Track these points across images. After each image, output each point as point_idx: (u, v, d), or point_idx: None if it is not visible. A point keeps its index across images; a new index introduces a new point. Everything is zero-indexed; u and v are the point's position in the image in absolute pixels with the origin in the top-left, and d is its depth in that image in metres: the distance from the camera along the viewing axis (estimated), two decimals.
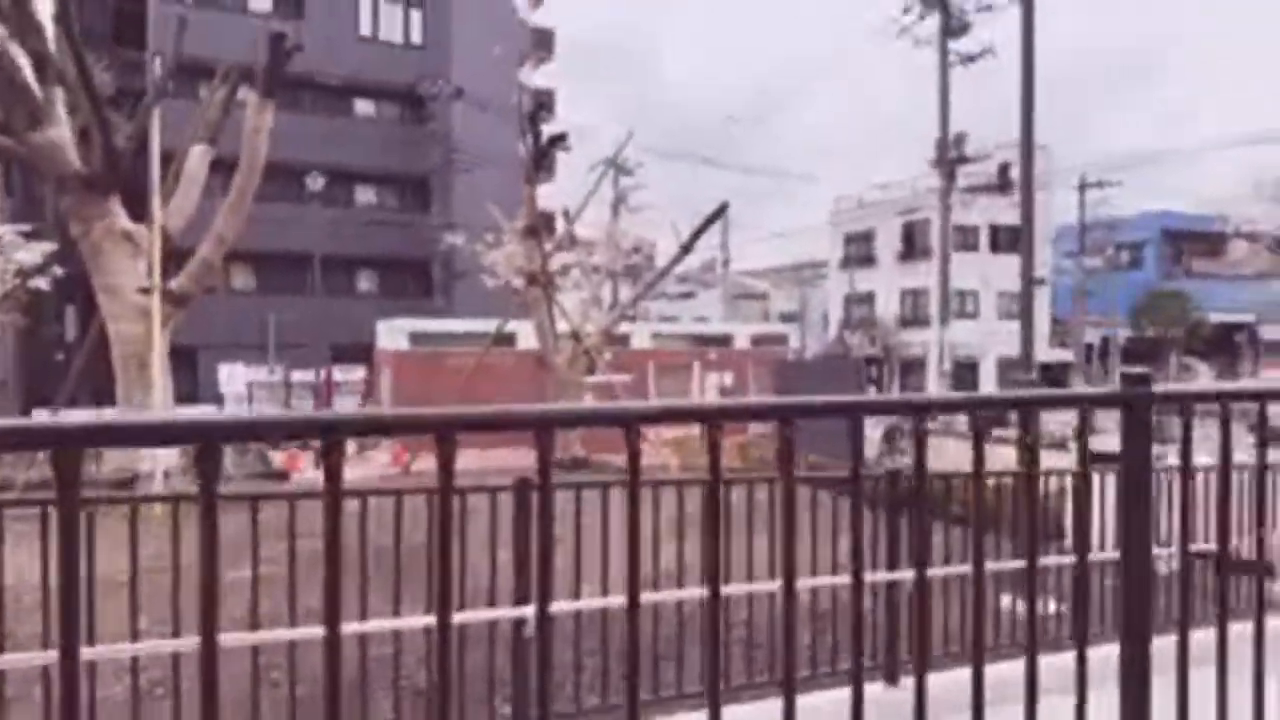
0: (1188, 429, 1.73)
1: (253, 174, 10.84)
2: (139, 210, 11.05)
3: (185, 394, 29.65)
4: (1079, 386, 44.71)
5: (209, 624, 0.94)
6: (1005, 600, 5.92)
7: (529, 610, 3.92)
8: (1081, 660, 1.54)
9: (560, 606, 4.11)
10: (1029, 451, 1.57)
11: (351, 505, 4.02)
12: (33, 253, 18.10)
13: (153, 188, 10.78)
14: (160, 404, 10.24)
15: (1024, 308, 7.60)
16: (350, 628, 3.92)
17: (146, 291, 10.40)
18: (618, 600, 4.21)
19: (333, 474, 1.05)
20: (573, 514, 4.35)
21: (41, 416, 19.42)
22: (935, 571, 5.17)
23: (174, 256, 11.34)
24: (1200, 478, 5.82)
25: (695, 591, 4.41)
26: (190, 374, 30.52)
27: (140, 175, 11.18)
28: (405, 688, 4.63)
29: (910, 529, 4.96)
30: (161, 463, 10.56)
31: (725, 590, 4.34)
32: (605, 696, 4.49)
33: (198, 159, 11.30)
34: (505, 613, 3.92)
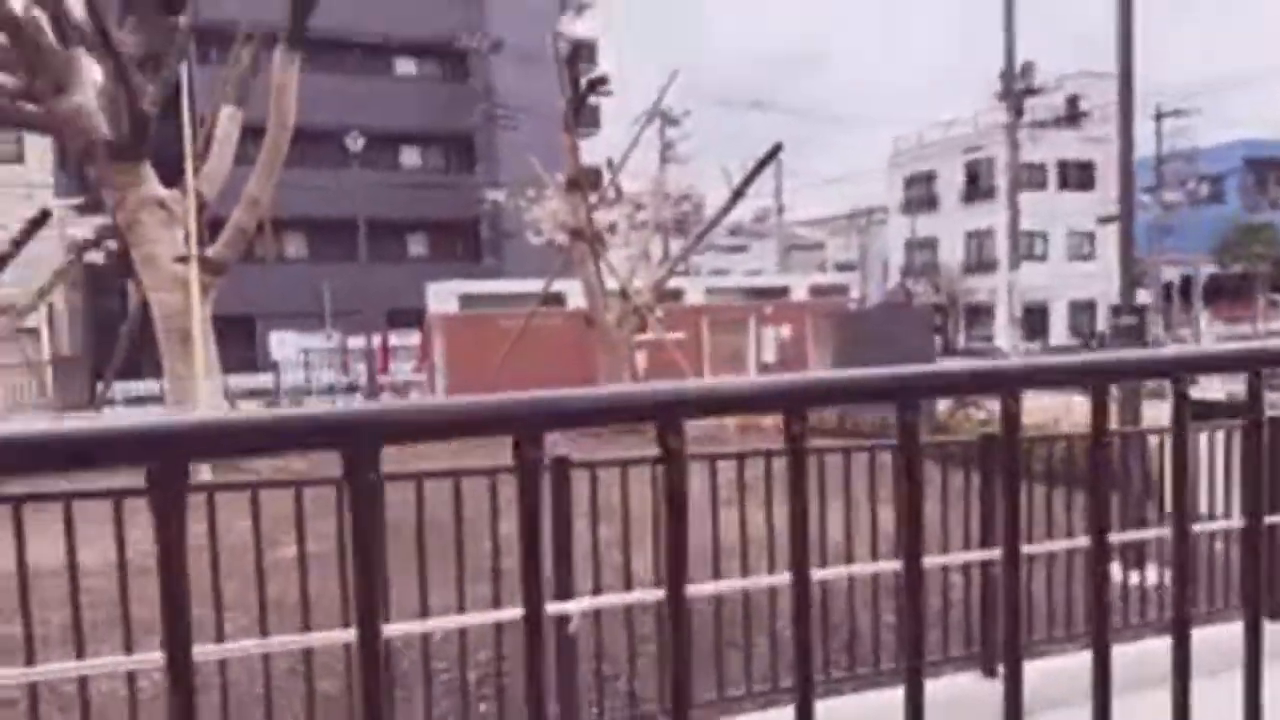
0: None
1: (282, 132, 10.40)
2: (172, 177, 10.74)
3: (244, 363, 30.13)
4: (1156, 331, 42.65)
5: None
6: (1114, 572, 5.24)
7: (571, 605, 3.40)
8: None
9: (608, 600, 3.59)
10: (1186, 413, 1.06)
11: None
12: (84, 227, 18.16)
13: (186, 153, 10.43)
14: (203, 375, 10.00)
15: (1124, 232, 6.73)
16: (398, 628, 3.45)
17: (184, 260, 10.11)
18: (696, 588, 3.66)
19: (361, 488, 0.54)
20: (624, 491, 3.80)
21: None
22: (1038, 548, 4.50)
23: (211, 224, 11.04)
24: None
25: (769, 580, 3.85)
26: (248, 343, 30.93)
27: (172, 142, 10.84)
28: (445, 683, 4.21)
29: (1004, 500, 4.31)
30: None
31: (818, 574, 3.79)
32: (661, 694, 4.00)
33: (228, 121, 10.91)
34: (548, 608, 3.42)
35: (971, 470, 4.41)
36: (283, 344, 17.21)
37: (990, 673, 4.12)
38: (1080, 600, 4.56)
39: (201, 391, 9.77)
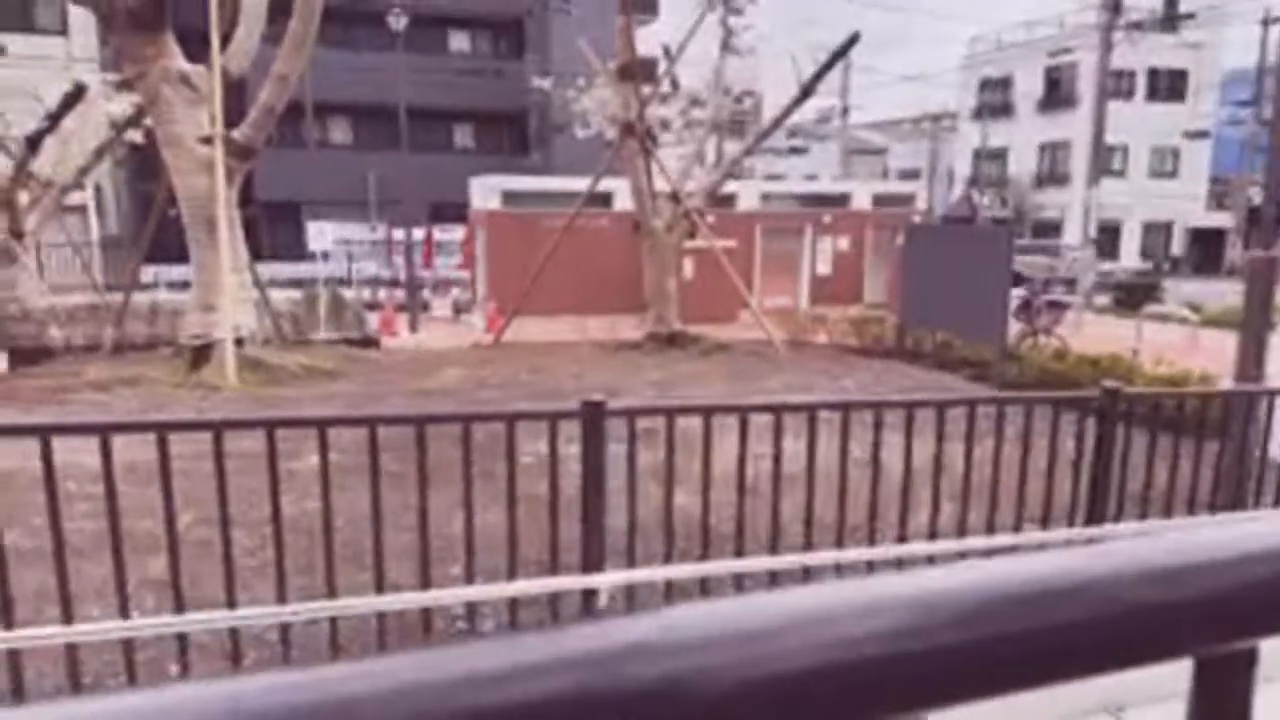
0: None
1: (313, 2, 9.54)
2: (200, 54, 10.01)
3: (290, 250, 29.93)
4: (1233, 256, 40.05)
5: None
6: None
7: (600, 579, 2.83)
8: None
9: (641, 575, 3.01)
10: None
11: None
12: (122, 104, 17.57)
13: (212, 24, 9.65)
14: (228, 266, 9.52)
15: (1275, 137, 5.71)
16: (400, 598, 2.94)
17: (208, 141, 9.48)
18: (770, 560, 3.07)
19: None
20: (669, 439, 3.18)
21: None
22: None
23: (238, 103, 10.35)
24: None
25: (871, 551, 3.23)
26: (296, 230, 30.64)
27: (199, 15, 10.05)
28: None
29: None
30: (239, 327, 9.99)
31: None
32: None
33: None
34: (571, 581, 2.86)
35: (1088, 423, 3.70)
36: (321, 234, 16.72)
37: None
38: None
39: (227, 283, 9.31)
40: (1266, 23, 38.40)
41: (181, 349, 10.32)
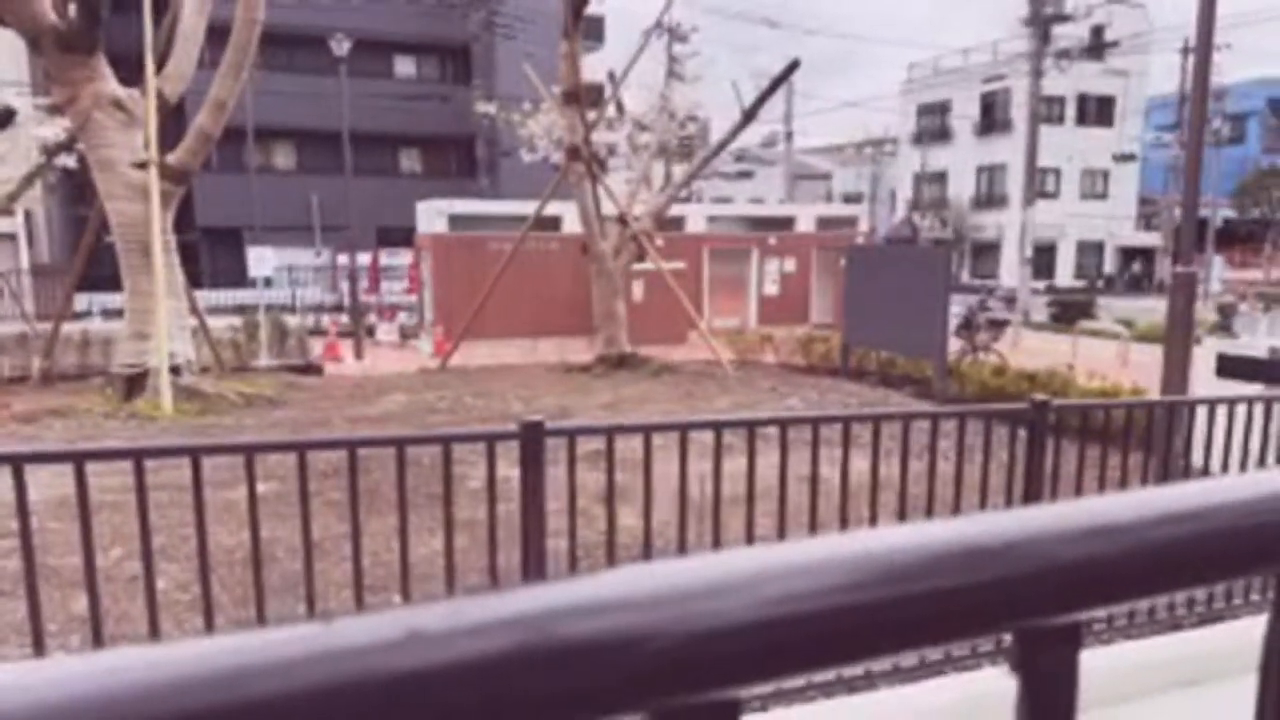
0: None
1: (251, 26, 9.43)
2: (134, 78, 9.80)
3: (233, 277, 29.27)
4: (1163, 274, 41.67)
5: None
6: None
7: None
8: None
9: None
10: None
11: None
12: (54, 128, 17.09)
13: (146, 48, 9.47)
14: (164, 292, 9.28)
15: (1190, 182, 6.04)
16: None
17: (143, 166, 9.27)
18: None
19: None
20: (630, 461, 3.17)
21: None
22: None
23: (172, 127, 10.14)
24: None
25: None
26: (237, 256, 29.99)
27: (135, 39, 9.85)
28: None
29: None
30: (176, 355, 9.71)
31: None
32: None
33: (193, 11, 9.90)
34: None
35: (1019, 432, 3.80)
36: (262, 260, 16.37)
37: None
38: None
39: (162, 310, 9.06)
40: (1185, 51, 40.32)
41: (114, 378, 10.00)
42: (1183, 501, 0.41)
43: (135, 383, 9.61)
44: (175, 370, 9.41)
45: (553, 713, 0.29)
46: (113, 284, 20.80)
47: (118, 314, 21.74)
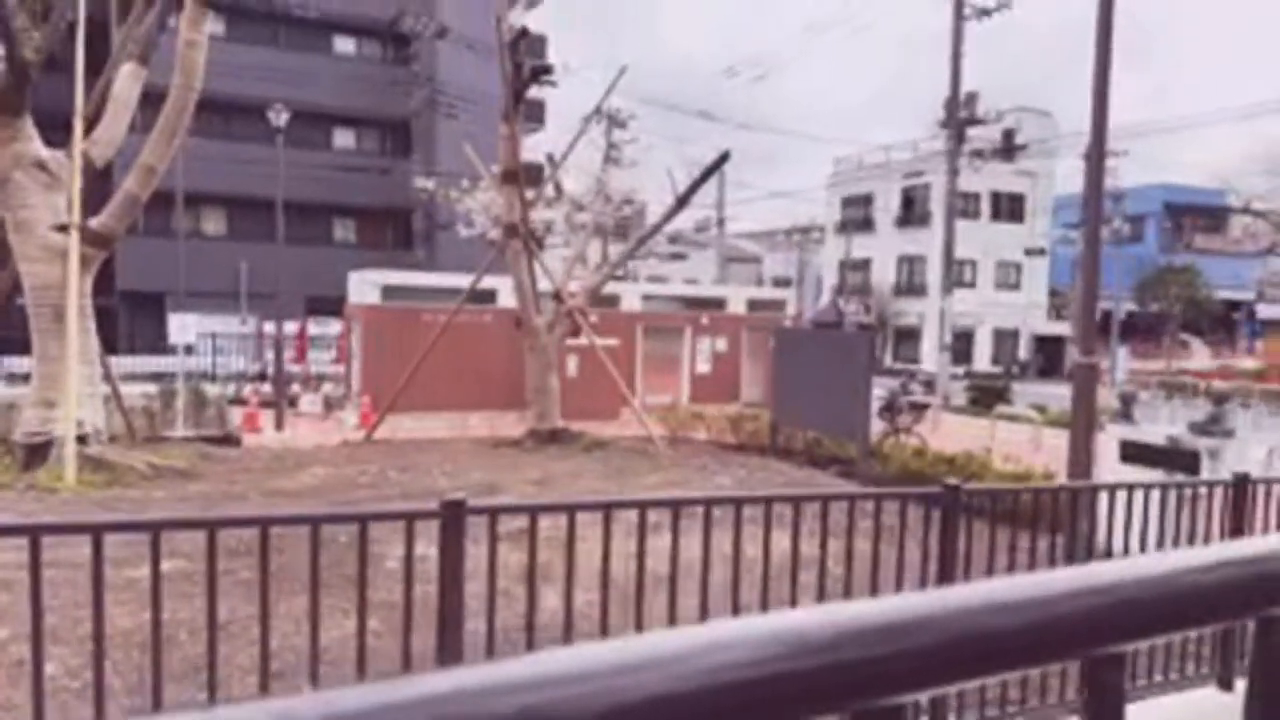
0: None
1: (187, 94, 9.40)
2: (64, 140, 9.62)
3: (154, 344, 28.27)
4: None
5: None
6: None
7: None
8: None
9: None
10: None
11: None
12: None
13: (76, 110, 9.33)
14: (77, 359, 8.93)
15: (1087, 282, 6.50)
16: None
17: (64, 229, 9.03)
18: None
19: None
20: (562, 541, 3.16)
21: None
22: None
23: (98, 191, 9.94)
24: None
25: None
26: (158, 323, 29.05)
27: (66, 100, 9.71)
28: None
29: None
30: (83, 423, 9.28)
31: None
32: None
33: (128, 78, 9.83)
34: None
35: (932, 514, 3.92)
36: (184, 327, 15.87)
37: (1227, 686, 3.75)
38: None
39: (72, 377, 8.70)
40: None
41: (13, 447, 9.49)
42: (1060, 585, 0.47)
43: (37, 452, 9.13)
44: (82, 439, 9.00)
45: None
46: (20, 347, 19.94)
47: (25, 379, 20.73)
